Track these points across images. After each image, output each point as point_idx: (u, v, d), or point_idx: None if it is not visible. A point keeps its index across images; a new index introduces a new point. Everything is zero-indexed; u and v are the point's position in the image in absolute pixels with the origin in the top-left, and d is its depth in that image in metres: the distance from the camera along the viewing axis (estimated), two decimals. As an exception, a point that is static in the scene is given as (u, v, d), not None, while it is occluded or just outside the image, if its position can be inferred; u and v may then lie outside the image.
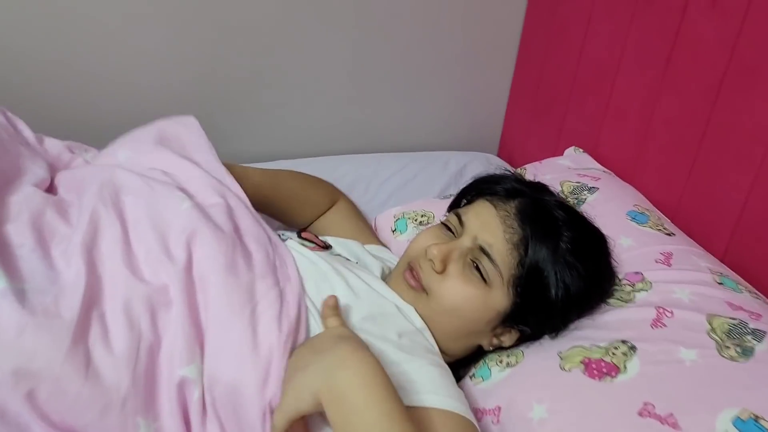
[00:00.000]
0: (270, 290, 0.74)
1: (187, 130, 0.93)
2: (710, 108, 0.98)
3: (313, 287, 0.80)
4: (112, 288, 0.68)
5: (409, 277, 0.84)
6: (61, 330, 0.61)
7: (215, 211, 0.80)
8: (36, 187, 0.77)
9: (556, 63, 1.36)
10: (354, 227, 1.09)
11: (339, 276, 0.82)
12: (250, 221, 0.83)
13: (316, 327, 0.75)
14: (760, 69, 0.90)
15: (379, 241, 1.10)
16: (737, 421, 0.64)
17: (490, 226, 0.81)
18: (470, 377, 0.85)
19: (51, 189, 0.83)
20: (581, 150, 1.28)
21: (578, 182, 1.10)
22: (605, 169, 1.20)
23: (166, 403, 0.65)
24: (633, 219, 0.99)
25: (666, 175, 1.08)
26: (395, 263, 0.95)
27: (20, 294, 0.62)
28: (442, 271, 0.81)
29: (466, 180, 0.98)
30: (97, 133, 1.01)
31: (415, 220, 1.12)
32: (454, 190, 1.37)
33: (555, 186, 0.99)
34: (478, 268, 0.80)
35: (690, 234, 1.00)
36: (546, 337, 0.83)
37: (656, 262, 0.90)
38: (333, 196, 1.14)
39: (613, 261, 0.89)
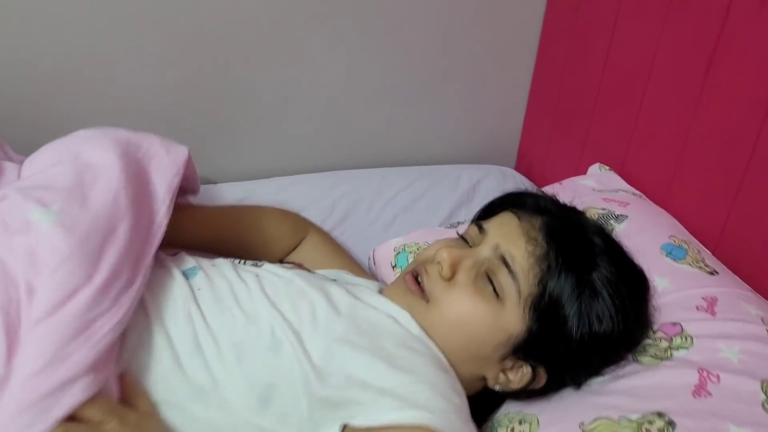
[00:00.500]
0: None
1: (165, 151, 0.81)
2: (759, 123, 0.88)
3: (287, 305, 0.74)
4: None
5: (408, 281, 0.77)
6: None
7: None
8: None
9: (579, 68, 1.27)
10: (330, 263, 0.97)
11: (319, 291, 0.76)
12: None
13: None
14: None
15: (367, 275, 0.99)
16: None
17: (512, 236, 0.75)
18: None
19: None
20: (607, 167, 1.18)
21: (604, 209, 0.99)
22: (635, 191, 1.09)
23: None
24: (669, 254, 0.88)
25: (706, 200, 0.98)
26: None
27: None
28: (450, 278, 0.74)
29: (479, 197, 0.90)
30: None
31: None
32: (466, 210, 1.30)
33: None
34: (491, 282, 0.73)
35: (735, 271, 0.89)
36: (560, 394, 0.74)
37: (697, 309, 0.79)
38: (299, 229, 1.02)
39: (651, 308, 0.80)
